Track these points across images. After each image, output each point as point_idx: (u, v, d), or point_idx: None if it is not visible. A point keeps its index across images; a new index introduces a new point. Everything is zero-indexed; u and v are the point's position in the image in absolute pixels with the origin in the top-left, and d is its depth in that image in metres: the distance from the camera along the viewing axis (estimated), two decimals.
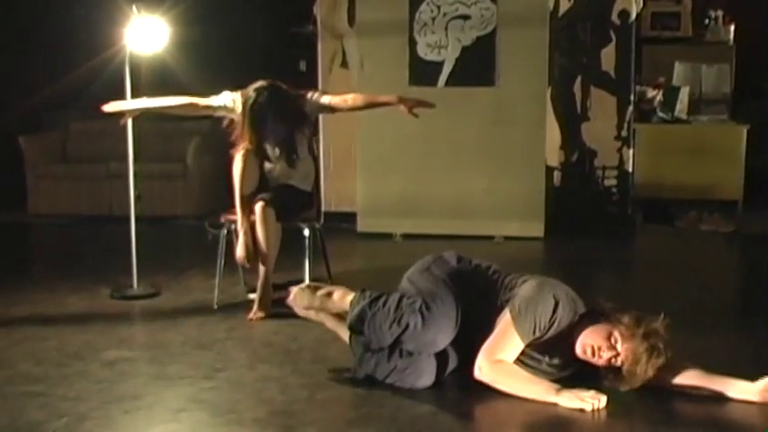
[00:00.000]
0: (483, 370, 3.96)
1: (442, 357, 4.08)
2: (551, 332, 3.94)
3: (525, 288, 4.02)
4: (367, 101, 5.71)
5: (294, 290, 4.58)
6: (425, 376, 4.07)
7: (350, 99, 5.65)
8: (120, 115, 5.72)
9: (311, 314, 4.56)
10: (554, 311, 3.92)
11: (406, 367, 4.08)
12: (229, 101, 5.59)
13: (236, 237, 5.51)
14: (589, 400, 3.80)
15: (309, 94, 5.62)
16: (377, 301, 4.18)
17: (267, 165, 5.61)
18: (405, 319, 4.04)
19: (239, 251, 5.46)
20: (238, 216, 5.45)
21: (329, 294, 4.46)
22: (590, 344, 3.89)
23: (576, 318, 3.96)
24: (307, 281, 5.36)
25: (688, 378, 3.97)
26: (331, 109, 5.71)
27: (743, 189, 8.31)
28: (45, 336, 5.03)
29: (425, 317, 4.01)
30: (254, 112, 5.48)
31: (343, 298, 4.38)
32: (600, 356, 3.88)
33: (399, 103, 5.53)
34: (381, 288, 4.32)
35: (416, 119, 5.57)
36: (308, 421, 3.78)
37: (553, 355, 4.02)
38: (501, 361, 3.95)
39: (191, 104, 5.67)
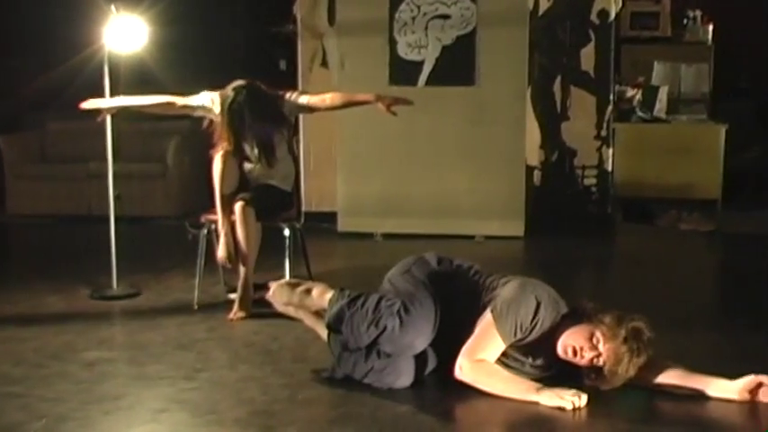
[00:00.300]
0: (464, 369, 3.95)
1: (420, 358, 4.06)
2: (533, 334, 3.93)
3: (507, 289, 4.01)
4: (345, 100, 5.70)
5: (273, 285, 4.58)
6: (404, 377, 4.06)
7: (328, 98, 5.64)
8: (97, 113, 5.71)
9: (290, 310, 4.55)
10: (536, 313, 3.91)
11: (384, 368, 4.06)
12: (208, 101, 5.57)
13: (217, 237, 5.50)
14: (569, 399, 3.80)
15: (288, 95, 5.61)
16: (355, 302, 4.16)
17: (247, 165, 5.60)
18: (383, 322, 4.02)
19: (220, 251, 5.45)
20: (219, 216, 5.43)
21: (308, 291, 4.44)
22: (572, 344, 3.88)
23: (559, 318, 3.96)
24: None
25: (669, 377, 3.97)
26: (309, 109, 5.70)
27: (722, 188, 8.34)
28: (24, 336, 4.99)
29: (403, 320, 3.99)
30: (233, 111, 5.46)
31: (322, 295, 4.36)
32: (582, 357, 3.88)
33: (377, 102, 5.52)
34: (362, 288, 4.31)
35: (396, 118, 5.57)
36: (289, 421, 3.78)
37: (536, 356, 4.02)
38: (482, 360, 3.95)
39: (169, 104, 5.66)
